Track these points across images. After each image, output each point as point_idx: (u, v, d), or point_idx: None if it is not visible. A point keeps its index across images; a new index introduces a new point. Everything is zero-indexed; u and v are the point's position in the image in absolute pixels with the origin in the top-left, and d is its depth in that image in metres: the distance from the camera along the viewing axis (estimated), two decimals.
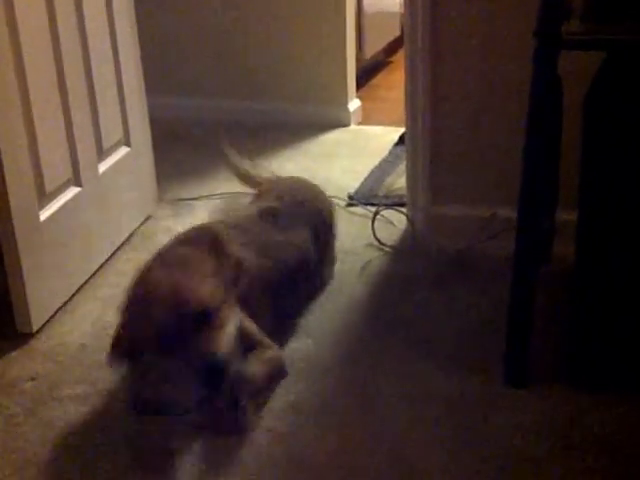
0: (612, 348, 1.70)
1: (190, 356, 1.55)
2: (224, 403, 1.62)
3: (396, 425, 1.64)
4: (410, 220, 2.47)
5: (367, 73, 4.16)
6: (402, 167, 2.66)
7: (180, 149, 3.19)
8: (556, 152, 1.94)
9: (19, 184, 1.91)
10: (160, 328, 1.56)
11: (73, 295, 2.15)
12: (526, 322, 1.71)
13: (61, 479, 1.55)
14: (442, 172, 2.36)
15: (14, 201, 1.88)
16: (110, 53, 2.32)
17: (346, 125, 3.46)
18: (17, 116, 1.90)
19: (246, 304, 1.72)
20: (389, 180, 2.84)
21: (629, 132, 1.58)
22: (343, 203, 2.65)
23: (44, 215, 2.02)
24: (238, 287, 1.70)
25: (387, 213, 2.54)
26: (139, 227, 2.52)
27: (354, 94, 3.56)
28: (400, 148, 2.96)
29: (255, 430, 1.63)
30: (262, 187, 2.27)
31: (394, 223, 2.51)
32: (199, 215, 2.57)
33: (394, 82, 4.05)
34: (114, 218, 2.37)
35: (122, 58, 2.37)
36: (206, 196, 2.75)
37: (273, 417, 1.67)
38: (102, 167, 2.30)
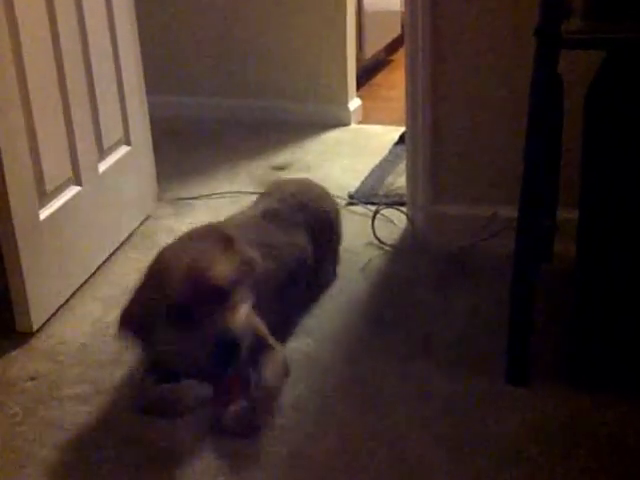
0: (613, 347, 1.69)
1: (204, 330, 1.56)
2: (238, 403, 1.62)
3: (396, 425, 1.64)
4: (410, 219, 2.47)
5: (367, 72, 4.16)
6: (402, 166, 2.66)
7: (180, 148, 3.19)
8: (557, 151, 1.94)
9: (19, 183, 1.90)
10: (175, 300, 1.58)
11: (73, 294, 2.15)
12: (526, 321, 1.71)
13: (61, 478, 1.54)
14: (442, 171, 2.36)
15: (14, 200, 1.88)
16: (110, 51, 2.32)
17: (346, 124, 3.46)
18: (17, 115, 1.90)
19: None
20: (389, 179, 2.84)
21: (630, 131, 1.58)
22: (343, 202, 2.65)
23: (44, 214, 2.02)
24: (250, 282, 1.71)
25: (387, 212, 2.53)
26: (139, 226, 2.52)
27: (354, 93, 3.55)
28: (400, 147, 2.96)
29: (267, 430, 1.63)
30: (267, 188, 2.27)
31: (394, 222, 2.51)
32: (199, 214, 2.57)
33: (394, 81, 4.05)
34: (114, 217, 2.37)
35: (122, 56, 2.37)
36: (206, 195, 2.75)
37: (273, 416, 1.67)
38: (102, 166, 2.30)
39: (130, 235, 2.46)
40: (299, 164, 3.04)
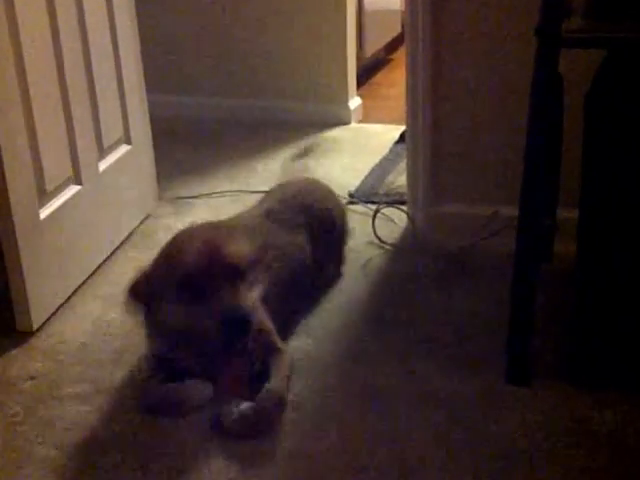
0: (613, 347, 1.69)
1: (213, 305, 1.57)
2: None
3: (396, 424, 1.64)
4: (411, 218, 2.47)
5: (368, 71, 4.16)
6: (403, 165, 2.66)
7: (180, 147, 3.19)
8: (557, 150, 1.94)
9: (19, 182, 1.90)
10: (189, 272, 1.59)
11: (73, 293, 2.15)
12: (527, 321, 1.71)
13: (61, 478, 1.54)
14: (443, 170, 2.36)
15: (14, 200, 1.88)
16: (110, 50, 2.32)
17: (347, 123, 3.46)
18: (17, 114, 1.89)
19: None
20: (390, 178, 2.84)
21: (630, 130, 1.58)
22: (344, 201, 2.64)
23: (44, 213, 2.02)
24: (263, 269, 1.73)
25: (388, 211, 2.53)
26: (139, 225, 2.52)
27: (355, 92, 3.55)
28: (401, 146, 2.96)
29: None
30: (272, 188, 2.27)
31: (395, 221, 2.51)
32: (199, 213, 2.57)
33: (395, 80, 4.05)
34: (114, 216, 2.37)
35: (122, 55, 2.37)
36: (206, 194, 2.75)
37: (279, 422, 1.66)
38: (102, 165, 2.30)
39: (130, 234, 2.46)
40: (299, 163, 3.03)
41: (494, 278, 2.10)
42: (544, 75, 1.59)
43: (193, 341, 1.64)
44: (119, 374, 1.83)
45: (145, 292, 1.66)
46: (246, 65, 3.50)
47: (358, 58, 3.68)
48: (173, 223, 2.50)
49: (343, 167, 2.98)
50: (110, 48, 2.32)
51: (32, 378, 1.83)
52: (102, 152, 2.30)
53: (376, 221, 2.45)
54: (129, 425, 1.66)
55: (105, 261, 2.32)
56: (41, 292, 2.00)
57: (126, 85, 2.40)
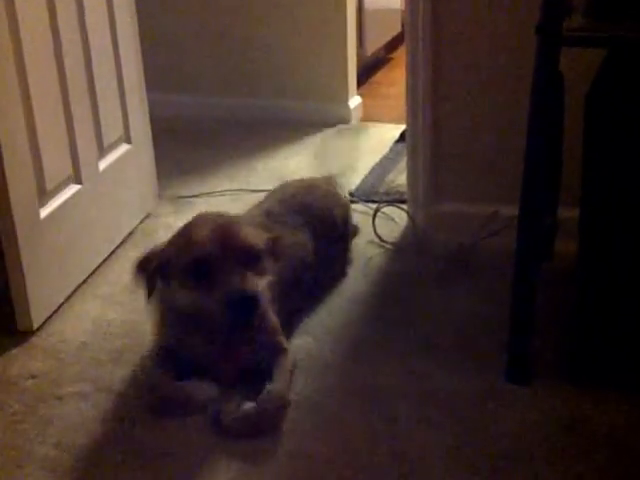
0: (614, 346, 1.69)
1: (223, 285, 1.57)
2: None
3: (396, 423, 1.64)
4: (411, 217, 2.46)
5: (368, 70, 4.15)
6: (403, 164, 2.66)
7: (180, 146, 3.19)
8: (558, 149, 1.94)
9: (20, 182, 1.90)
10: (201, 253, 1.60)
11: (73, 292, 2.15)
12: (528, 320, 1.71)
13: (61, 477, 1.54)
14: (443, 169, 2.36)
15: (15, 199, 1.88)
16: (110, 49, 2.32)
17: (347, 122, 3.46)
18: (17, 114, 1.89)
19: None
20: (390, 177, 2.84)
21: (631, 129, 1.58)
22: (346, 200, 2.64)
23: (44, 212, 2.01)
24: (277, 260, 1.74)
25: (388, 210, 2.53)
26: (139, 224, 2.52)
27: (355, 91, 3.55)
28: (401, 145, 2.96)
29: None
30: (274, 188, 2.27)
31: (395, 220, 2.51)
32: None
33: (395, 79, 4.04)
34: (114, 215, 2.37)
35: (122, 54, 2.37)
36: (206, 193, 2.75)
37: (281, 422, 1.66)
38: (102, 164, 2.30)
39: (130, 233, 2.46)
40: (300, 162, 3.03)
41: (494, 277, 2.10)
42: (545, 74, 1.59)
43: (201, 323, 1.64)
44: (119, 373, 1.83)
45: (153, 268, 1.67)
46: (246, 64, 3.50)
47: (358, 57, 3.68)
48: (173, 222, 2.49)
49: (343, 166, 2.97)
50: (110, 47, 2.32)
51: (32, 377, 1.83)
52: (102, 151, 2.30)
53: (376, 220, 2.45)
54: (129, 424, 1.66)
55: (105, 260, 2.32)
56: (41, 291, 2.00)
57: (126, 84, 2.40)
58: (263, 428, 1.61)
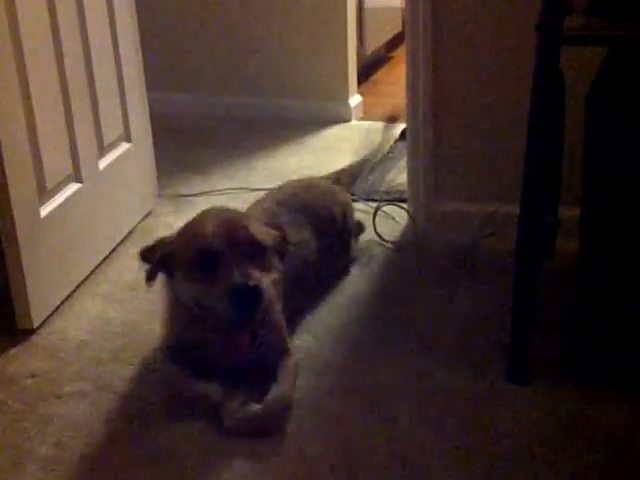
0: (615, 345, 1.69)
1: (227, 278, 1.56)
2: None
3: (398, 422, 1.64)
4: (411, 216, 2.46)
5: (368, 68, 4.15)
6: (403, 163, 2.65)
7: (181, 145, 3.19)
8: (558, 147, 1.93)
9: (20, 181, 1.90)
10: (207, 245, 1.60)
11: (73, 291, 2.15)
12: (529, 318, 1.71)
13: (61, 476, 1.54)
14: (443, 168, 2.36)
15: (15, 198, 1.88)
16: (110, 47, 2.32)
17: (347, 120, 3.46)
18: (18, 112, 1.89)
19: None
20: (390, 176, 2.83)
21: (631, 128, 1.58)
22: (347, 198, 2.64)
23: (45, 211, 2.01)
24: (284, 257, 1.75)
25: (388, 209, 2.53)
26: (139, 223, 2.52)
27: (355, 89, 3.55)
28: (401, 144, 2.95)
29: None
30: (274, 187, 2.26)
31: (395, 219, 2.51)
32: (199, 211, 2.56)
33: (395, 77, 4.04)
34: (114, 214, 2.37)
35: (122, 52, 2.37)
36: (207, 192, 2.75)
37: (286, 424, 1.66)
38: (102, 163, 2.29)
39: (130, 232, 2.46)
40: (300, 161, 3.03)
41: (496, 275, 2.10)
42: (545, 72, 1.59)
43: (205, 316, 1.63)
44: (119, 372, 1.82)
45: (157, 259, 1.67)
46: (247, 63, 3.49)
47: (359, 56, 3.68)
48: (173, 221, 2.49)
49: (344, 165, 2.97)
50: (110, 46, 2.32)
51: (32, 376, 1.83)
52: (102, 150, 2.30)
53: (377, 219, 2.45)
54: (129, 423, 1.66)
55: (105, 259, 2.31)
56: (41, 290, 2.00)
57: (126, 82, 2.40)
58: (268, 430, 1.60)
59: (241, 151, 3.13)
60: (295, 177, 2.47)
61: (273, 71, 3.48)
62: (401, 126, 3.05)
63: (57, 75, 2.05)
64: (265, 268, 1.64)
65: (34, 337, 1.97)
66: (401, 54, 3.88)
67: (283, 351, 1.75)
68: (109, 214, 2.33)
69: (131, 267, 2.23)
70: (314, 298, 2.06)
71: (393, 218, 2.51)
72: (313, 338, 1.93)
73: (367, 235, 2.40)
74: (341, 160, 3.02)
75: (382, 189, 2.72)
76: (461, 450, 1.55)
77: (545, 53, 1.57)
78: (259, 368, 1.72)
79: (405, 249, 2.35)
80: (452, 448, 1.56)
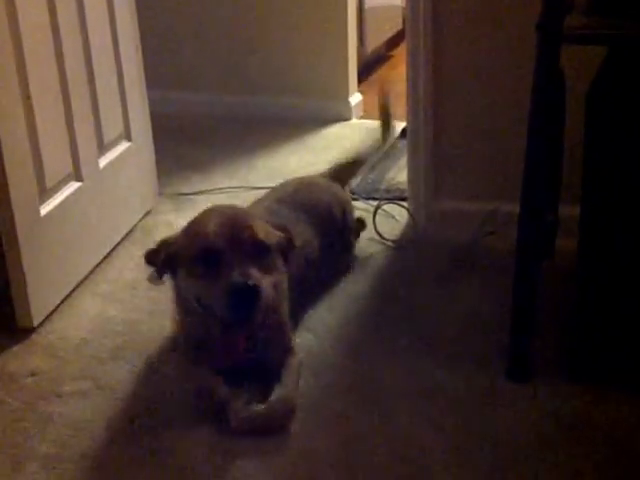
0: (614, 344, 1.69)
1: (227, 277, 1.56)
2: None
3: (398, 421, 1.64)
4: (412, 214, 2.46)
5: (368, 67, 4.15)
6: (403, 161, 2.65)
7: (181, 144, 3.19)
8: (559, 146, 1.94)
9: (20, 180, 1.90)
10: (209, 244, 1.60)
11: (73, 290, 2.15)
12: (528, 317, 1.71)
13: (61, 475, 1.54)
14: (444, 166, 2.36)
15: (15, 196, 1.88)
16: (110, 45, 2.32)
17: (347, 119, 3.46)
18: (18, 111, 1.89)
19: None
20: (390, 174, 2.83)
21: (632, 127, 1.57)
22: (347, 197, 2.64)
23: (45, 210, 2.01)
24: (289, 259, 1.74)
25: (388, 207, 2.53)
26: (139, 222, 2.52)
27: (355, 88, 3.55)
28: (402, 142, 2.95)
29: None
30: (274, 186, 2.26)
31: (396, 217, 2.51)
32: (200, 210, 2.56)
33: (395, 76, 4.03)
34: (114, 213, 2.37)
35: (122, 50, 2.37)
36: (207, 191, 2.75)
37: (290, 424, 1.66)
38: (102, 162, 2.29)
39: (130, 230, 2.46)
40: (300, 159, 3.03)
41: (496, 274, 2.10)
42: (545, 71, 1.59)
43: (208, 313, 1.63)
44: (119, 371, 1.83)
45: (161, 261, 1.68)
46: (247, 61, 3.49)
47: (359, 54, 3.68)
48: (173, 219, 2.50)
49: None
50: (110, 45, 2.32)
51: (32, 375, 1.83)
52: (102, 148, 2.30)
53: (377, 217, 2.45)
54: (129, 422, 1.66)
55: (105, 257, 2.31)
56: (41, 288, 2.00)
57: (126, 81, 2.40)
58: (272, 431, 1.60)
59: (241, 150, 3.13)
60: (295, 176, 2.46)
61: (273, 70, 3.48)
62: (401, 124, 3.05)
63: (57, 74, 2.05)
64: (268, 268, 1.63)
65: (34, 336, 1.97)
66: (401, 53, 3.88)
67: (287, 351, 1.75)
68: (109, 213, 2.33)
69: (131, 266, 2.24)
70: (315, 297, 2.06)
71: (393, 217, 2.51)
72: (313, 336, 1.93)
73: (367, 234, 2.40)
74: (340, 159, 3.02)
75: (382, 188, 2.72)
76: (461, 450, 1.55)
77: (545, 52, 1.57)
78: (263, 367, 1.72)
79: (405, 248, 2.35)
80: (452, 448, 1.56)
